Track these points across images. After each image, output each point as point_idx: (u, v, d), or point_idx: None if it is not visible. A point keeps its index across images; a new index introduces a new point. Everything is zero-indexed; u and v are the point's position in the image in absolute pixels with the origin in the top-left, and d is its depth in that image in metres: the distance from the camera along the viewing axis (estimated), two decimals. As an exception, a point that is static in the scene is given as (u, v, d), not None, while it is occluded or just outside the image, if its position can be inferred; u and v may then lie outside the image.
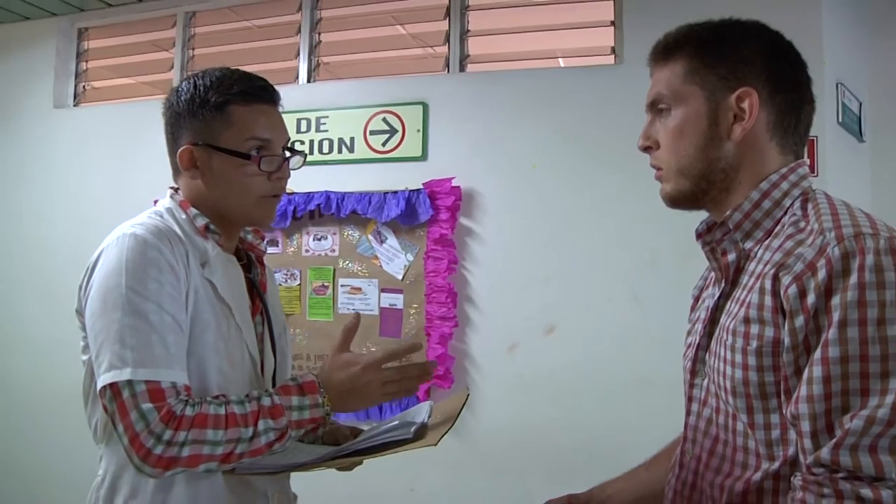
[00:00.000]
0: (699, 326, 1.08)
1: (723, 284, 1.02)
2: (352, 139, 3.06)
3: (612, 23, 2.83)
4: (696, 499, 1.01)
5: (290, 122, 3.06)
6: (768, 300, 0.89)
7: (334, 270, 3.05)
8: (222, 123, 1.20)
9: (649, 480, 1.24)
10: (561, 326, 2.74)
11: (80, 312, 1.17)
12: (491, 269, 2.84)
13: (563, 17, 2.92)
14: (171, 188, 1.28)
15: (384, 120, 3.02)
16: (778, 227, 0.96)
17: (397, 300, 2.94)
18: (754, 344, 0.90)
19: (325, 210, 3.02)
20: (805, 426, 0.83)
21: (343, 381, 1.15)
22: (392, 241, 2.96)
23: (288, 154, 1.26)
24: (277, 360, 1.31)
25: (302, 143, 3.08)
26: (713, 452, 0.99)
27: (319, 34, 3.22)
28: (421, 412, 1.27)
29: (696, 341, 1.05)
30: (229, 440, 1.06)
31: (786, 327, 0.86)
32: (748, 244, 0.99)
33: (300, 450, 1.23)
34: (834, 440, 0.80)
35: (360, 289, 3.01)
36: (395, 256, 2.95)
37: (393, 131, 3.00)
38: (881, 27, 2.95)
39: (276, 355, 1.30)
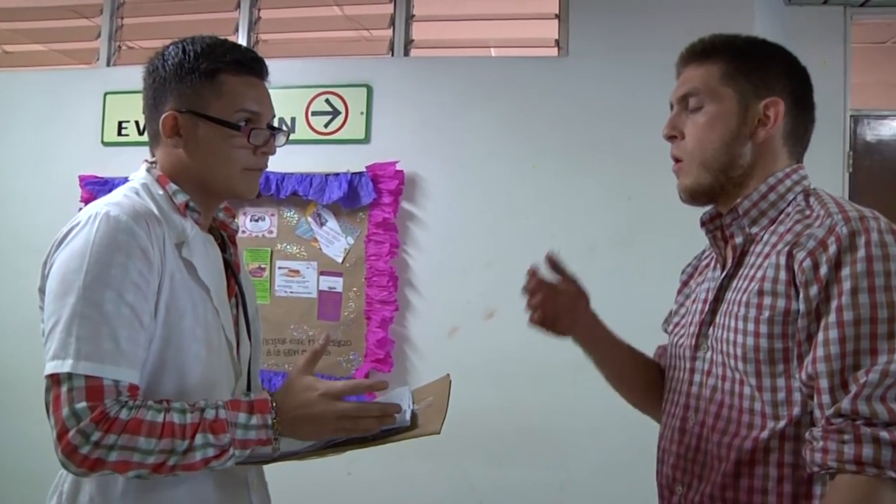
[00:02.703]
0: (698, 305, 1.18)
1: (729, 266, 1.11)
2: (293, 119, 3.01)
3: (557, 16, 2.89)
4: (700, 460, 1.08)
5: (227, 98, 3.03)
6: (782, 274, 0.99)
7: (272, 252, 2.99)
8: (212, 92, 1.16)
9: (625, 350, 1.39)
10: (501, 311, 2.80)
11: (42, 291, 1.09)
12: (432, 254, 2.86)
13: (510, 8, 2.96)
14: (147, 161, 1.22)
15: (327, 101, 2.98)
16: (782, 216, 1.08)
17: (337, 283, 2.92)
18: (766, 314, 1.00)
19: (263, 191, 2.95)
20: (823, 383, 0.92)
21: (297, 406, 1.08)
22: (332, 223, 2.93)
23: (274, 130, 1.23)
24: (252, 344, 1.26)
25: (239, 121, 3.00)
26: (719, 416, 1.06)
27: (259, 10, 3.14)
28: (402, 398, 1.25)
29: (699, 319, 1.15)
30: (161, 451, 1.00)
31: (800, 297, 0.96)
32: (754, 230, 1.09)
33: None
34: (852, 392, 0.90)
35: (298, 271, 2.97)
36: (335, 239, 2.93)
37: (336, 113, 2.97)
38: (801, 33, 3.13)
39: (251, 338, 1.26)
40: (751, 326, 1.01)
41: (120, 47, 3.24)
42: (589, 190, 2.78)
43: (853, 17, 3.18)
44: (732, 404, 1.04)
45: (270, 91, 3.26)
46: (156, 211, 1.12)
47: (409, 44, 3.02)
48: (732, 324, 1.05)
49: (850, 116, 3.17)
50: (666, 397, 1.22)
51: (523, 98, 2.84)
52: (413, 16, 3.03)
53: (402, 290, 2.88)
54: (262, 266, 3.00)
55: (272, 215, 3.00)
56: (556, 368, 2.75)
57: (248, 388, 1.25)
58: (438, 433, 1.11)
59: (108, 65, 3.21)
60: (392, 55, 3.02)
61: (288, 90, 3.00)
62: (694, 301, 1.22)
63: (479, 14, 2.98)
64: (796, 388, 0.98)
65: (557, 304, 1.32)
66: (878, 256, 0.93)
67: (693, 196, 1.15)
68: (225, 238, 1.30)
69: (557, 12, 2.89)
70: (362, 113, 2.94)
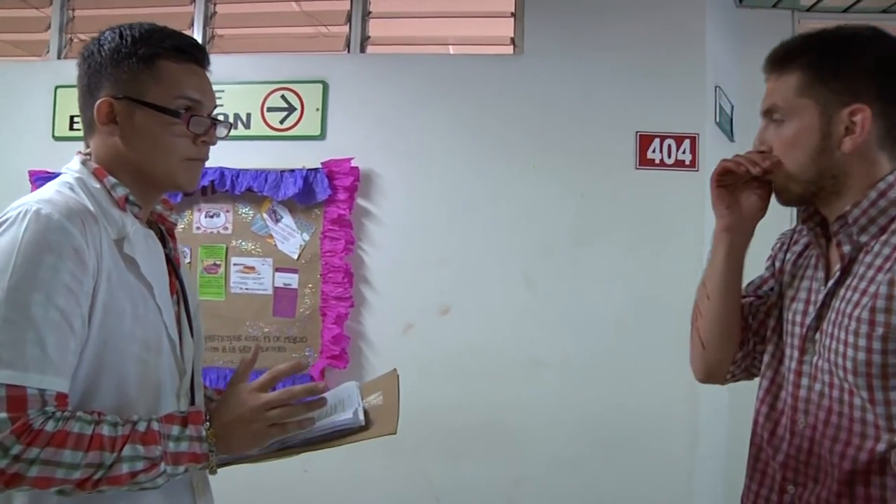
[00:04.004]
0: (799, 305, 1.17)
1: (836, 274, 1.09)
2: (248, 115, 2.98)
3: (513, 14, 2.92)
4: (814, 463, 1.08)
5: (181, 93, 2.99)
6: None
7: (227, 249, 2.97)
8: (150, 78, 1.11)
9: None
10: (455, 308, 2.82)
11: None
12: (387, 251, 2.87)
13: (466, 6, 2.97)
14: (81, 153, 1.17)
15: (283, 97, 2.96)
16: (893, 225, 1.05)
17: (292, 280, 2.91)
18: (880, 330, 0.99)
19: (218, 186, 2.93)
20: None
21: (229, 412, 1.07)
22: (288, 220, 2.92)
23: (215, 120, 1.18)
24: (195, 342, 1.22)
25: (194, 116, 2.97)
26: (828, 423, 1.06)
27: (215, 5, 3.12)
28: (350, 394, 1.23)
29: (803, 320, 1.14)
30: (88, 464, 0.95)
31: None
32: (863, 238, 1.07)
33: None
34: None
35: (253, 268, 2.95)
36: (290, 236, 2.91)
37: (291, 109, 2.96)
38: (750, 35, 3.21)
39: (194, 336, 1.22)
40: (862, 342, 1.00)
41: (71, 40, 3.18)
42: (543, 188, 2.81)
43: (801, 21, 3.27)
44: (842, 412, 1.05)
45: (227, 87, 3.24)
46: (91, 207, 1.06)
47: (365, 40, 3.02)
48: (843, 336, 1.04)
49: (798, 116, 3.25)
50: (768, 388, 1.20)
51: (479, 96, 2.86)
52: (370, 12, 3.03)
53: (358, 287, 2.88)
54: (218, 262, 2.97)
55: (227, 212, 2.98)
56: (512, 364, 2.80)
57: (192, 388, 1.21)
58: (395, 433, 1.10)
59: (58, 57, 3.15)
60: (348, 52, 3.01)
61: (243, 86, 2.98)
62: (794, 299, 1.20)
63: (436, 11, 2.99)
64: None
65: None
66: None
67: (786, 199, 1.14)
68: (164, 232, 1.25)
69: (513, 11, 2.92)
70: (318, 109, 2.94)
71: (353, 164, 2.86)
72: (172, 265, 1.22)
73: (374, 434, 1.13)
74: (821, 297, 1.12)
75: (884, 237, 1.05)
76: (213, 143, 1.19)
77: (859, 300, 1.03)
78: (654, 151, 2.78)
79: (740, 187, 1.19)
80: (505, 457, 2.79)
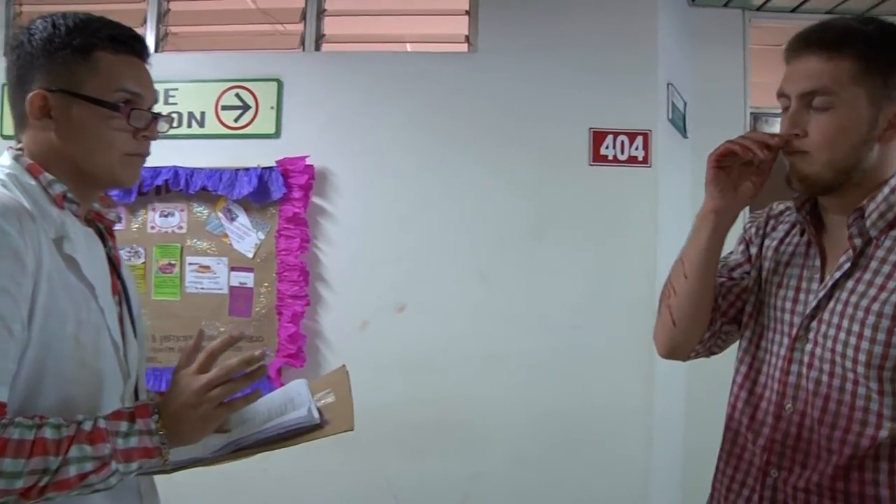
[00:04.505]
0: (790, 293, 1.17)
1: (847, 265, 1.09)
2: (202, 114, 2.96)
3: (467, 12, 2.93)
4: (803, 448, 1.10)
5: (135, 92, 2.96)
6: None
7: (182, 248, 2.94)
8: (87, 69, 1.06)
9: None
10: (411, 304, 2.83)
11: None
12: (343, 249, 2.86)
13: (421, 4, 2.98)
14: (13, 148, 1.11)
15: (237, 95, 2.95)
16: None
17: (248, 279, 2.90)
18: None
19: (172, 186, 2.91)
20: None
21: (174, 400, 1.02)
22: (243, 218, 2.90)
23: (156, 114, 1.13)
24: (139, 343, 1.18)
25: (148, 114, 2.95)
26: (826, 409, 1.07)
27: (168, 2, 3.09)
28: (300, 392, 1.22)
29: (800, 310, 1.14)
30: (32, 471, 0.90)
31: None
32: (873, 232, 1.08)
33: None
34: None
35: (208, 267, 2.93)
36: (245, 234, 2.90)
37: (246, 107, 2.94)
38: (702, 34, 3.26)
39: (137, 336, 1.18)
40: (881, 336, 1.01)
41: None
42: (498, 184, 2.82)
43: (751, 20, 3.32)
44: (842, 400, 1.06)
45: (180, 85, 3.21)
46: (27, 205, 1.01)
47: (320, 38, 3.01)
48: (856, 328, 1.04)
49: (751, 114, 3.31)
50: (746, 373, 1.21)
51: (434, 94, 2.87)
52: (325, 10, 3.02)
53: (314, 285, 2.87)
54: (172, 262, 2.95)
55: (182, 211, 2.95)
56: (468, 360, 2.81)
57: (136, 391, 1.17)
58: (352, 429, 1.08)
59: (3, 54, 3.10)
60: (303, 50, 3.00)
61: (197, 84, 2.96)
62: (780, 286, 1.19)
63: (391, 10, 2.99)
64: None
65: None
66: None
67: (809, 187, 1.11)
68: (103, 231, 1.20)
69: (468, 9, 2.93)
70: (272, 107, 2.92)
71: (308, 162, 2.85)
72: (113, 265, 1.17)
73: (330, 431, 1.11)
74: (815, 286, 1.13)
75: (893, 232, 1.07)
76: (154, 138, 1.15)
77: (877, 294, 1.04)
78: (607, 148, 2.81)
79: (737, 170, 1.16)
80: (462, 453, 2.81)
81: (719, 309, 1.28)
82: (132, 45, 1.11)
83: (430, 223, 2.83)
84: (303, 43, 3.00)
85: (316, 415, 1.13)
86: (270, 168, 2.85)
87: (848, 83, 1.04)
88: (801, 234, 1.20)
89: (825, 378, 1.08)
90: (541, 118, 2.83)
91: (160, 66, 3.24)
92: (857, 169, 1.07)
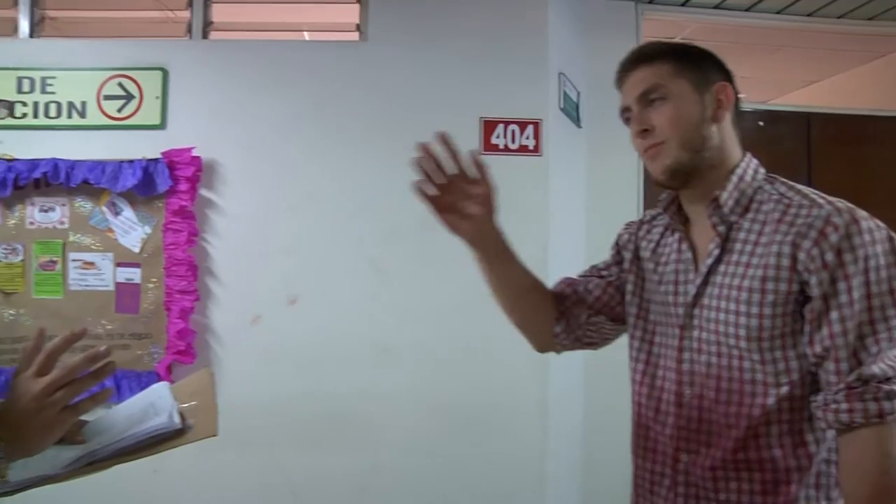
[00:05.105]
0: (670, 287, 1.26)
1: (717, 251, 1.20)
2: (83, 103, 2.84)
3: (358, 1, 2.90)
4: (705, 429, 1.18)
5: (8, 80, 2.83)
6: (785, 261, 1.12)
7: (64, 244, 2.83)
8: None
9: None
10: (303, 297, 2.79)
11: None
12: (232, 241, 2.80)
13: (311, -8, 2.94)
14: None
15: (120, 84, 2.84)
16: (754, 204, 1.19)
17: (134, 274, 2.80)
18: (770, 297, 1.12)
19: (52, 179, 2.78)
20: (841, 354, 1.07)
21: (13, 407, 0.95)
22: (128, 212, 2.80)
23: None
24: None
25: (24, 104, 2.81)
26: (719, 389, 1.17)
27: (46, -15, 2.95)
28: (161, 396, 1.17)
29: (683, 301, 1.23)
30: None
31: (811, 282, 1.09)
32: (732, 218, 1.19)
33: (40, 457, 1.01)
34: (869, 360, 1.05)
35: (93, 263, 2.82)
36: (131, 229, 2.80)
37: (129, 97, 2.84)
38: (596, 25, 3.31)
39: None
40: (755, 309, 1.12)
41: None
42: (388, 175, 2.80)
43: (644, 13, 3.40)
44: (732, 377, 1.15)
45: (59, 73, 3.08)
46: None
47: (207, 26, 2.93)
48: (733, 307, 1.15)
49: (645, 104, 3.37)
50: (644, 370, 1.29)
51: (323, 83, 2.83)
52: (213, -3, 2.94)
53: (203, 280, 2.80)
54: (54, 259, 2.83)
55: (63, 205, 2.83)
56: (361, 351, 2.79)
57: None
58: (216, 434, 1.04)
59: None
60: (190, 37, 2.92)
61: (77, 72, 2.85)
62: (660, 283, 1.29)
63: (281, -3, 2.94)
64: (792, 358, 1.12)
65: (454, 191, 1.29)
66: (869, 242, 1.08)
67: (673, 175, 1.20)
68: None
69: (359, -2, 2.90)
70: (158, 97, 2.83)
71: (195, 153, 2.77)
72: None
73: (193, 438, 1.07)
74: (693, 276, 1.22)
75: (749, 215, 1.19)
76: None
77: (745, 272, 1.15)
78: (498, 137, 2.83)
79: (457, 201, 1.28)
80: (359, 445, 2.79)
81: (585, 303, 1.39)
82: None
83: (320, 215, 2.80)
84: (190, 30, 2.92)
85: (177, 420, 1.08)
86: (156, 160, 2.76)
87: (671, 78, 1.20)
88: (674, 233, 1.30)
89: (714, 359, 1.18)
90: (431, 107, 2.82)
91: (36, 52, 3.13)
92: (707, 147, 1.20)
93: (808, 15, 3.41)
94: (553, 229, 2.83)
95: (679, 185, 1.24)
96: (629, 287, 1.36)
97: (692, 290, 1.21)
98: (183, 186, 2.76)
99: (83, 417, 1.02)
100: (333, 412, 2.79)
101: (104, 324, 2.81)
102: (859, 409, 1.05)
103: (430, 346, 2.78)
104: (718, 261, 1.19)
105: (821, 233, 1.09)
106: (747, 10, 3.38)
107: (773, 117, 3.56)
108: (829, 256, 1.08)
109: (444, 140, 1.29)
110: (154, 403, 1.17)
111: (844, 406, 1.06)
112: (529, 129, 2.84)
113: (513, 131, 2.84)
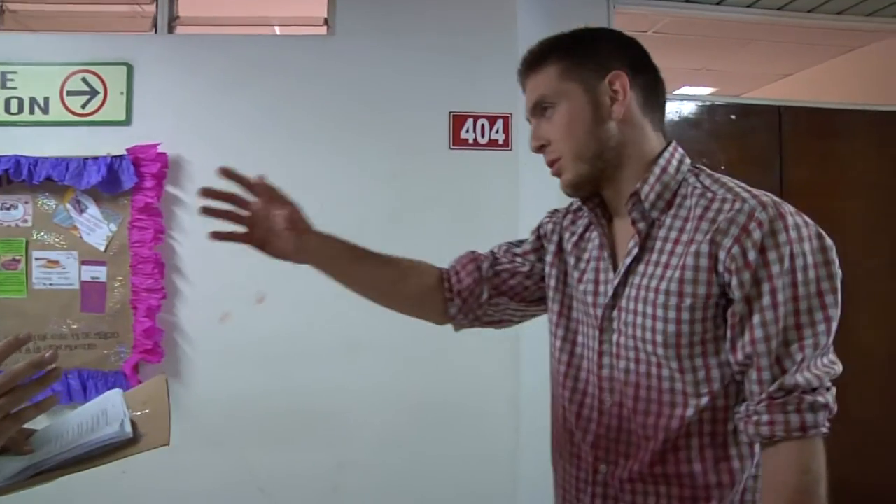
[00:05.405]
0: (589, 287, 1.18)
1: (635, 250, 1.11)
2: (46, 99, 2.79)
3: (326, -6, 2.87)
4: (624, 440, 1.11)
5: (-31, 75, 2.77)
6: (703, 261, 1.03)
7: (27, 242, 2.78)
8: None
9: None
10: (271, 295, 2.77)
11: None
12: (200, 239, 2.68)
13: (278, -15, 2.91)
14: None
15: (84, 80, 2.79)
16: (678, 199, 1.10)
17: (100, 273, 2.76)
18: (688, 301, 1.04)
19: (14, 176, 2.73)
20: (763, 361, 0.99)
21: None
22: (93, 210, 2.76)
23: None
24: None
25: (-15, 100, 2.77)
26: (637, 397, 1.09)
27: (6, -21, 2.90)
28: (114, 404, 1.13)
29: (598, 302, 1.16)
30: None
31: (732, 283, 1.01)
32: (654, 213, 1.10)
33: None
34: (792, 368, 0.98)
35: (57, 262, 2.78)
36: (96, 227, 2.76)
37: (94, 93, 2.79)
38: (566, 19, 3.27)
39: None
40: (672, 314, 1.04)
41: None
42: (357, 170, 2.79)
43: (616, 7, 3.38)
44: (650, 385, 1.08)
45: (20, 68, 3.03)
46: None
47: (173, 20, 2.89)
48: (649, 311, 1.06)
49: (616, 98, 3.37)
50: (566, 371, 1.21)
51: (291, 78, 2.81)
52: (178, -9, 2.90)
53: (170, 277, 2.77)
54: (17, 258, 2.78)
55: (26, 203, 2.79)
56: (330, 348, 2.77)
57: None
58: (168, 444, 1.01)
59: None
60: (156, 32, 2.88)
61: (40, 67, 2.80)
62: (581, 280, 1.21)
63: (248, -9, 2.90)
64: (714, 366, 1.04)
65: (260, 218, 1.23)
66: (796, 239, 0.99)
67: (577, 188, 1.14)
68: None
69: (327, -9, 2.87)
70: (122, 93, 2.79)
71: (161, 149, 2.74)
72: None
73: (144, 447, 1.02)
74: (612, 275, 1.14)
75: (672, 210, 1.10)
76: None
77: (663, 273, 1.07)
78: (467, 131, 2.82)
79: (269, 228, 1.24)
80: (328, 442, 2.77)
81: (489, 283, 1.31)
82: None
83: (289, 210, 2.77)
84: (155, 25, 2.87)
85: (128, 429, 1.04)
86: (121, 156, 2.72)
87: (558, 82, 1.12)
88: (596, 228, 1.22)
89: (632, 366, 1.10)
90: (400, 102, 2.81)
91: (-4, 46, 3.03)
92: (607, 149, 1.12)
93: (779, 9, 3.41)
94: (523, 224, 2.82)
95: (590, 193, 1.17)
96: (551, 282, 1.27)
97: (610, 290, 1.14)
98: (149, 183, 2.72)
99: (29, 426, 0.99)
100: (303, 409, 2.77)
101: (69, 323, 2.77)
102: (780, 421, 0.97)
103: (399, 341, 2.75)
104: (638, 260, 1.11)
105: (743, 229, 1.00)
106: (718, 3, 3.38)
107: (744, 111, 3.57)
108: (752, 255, 0.99)
109: (228, 174, 1.22)
110: (106, 411, 1.14)
111: (765, 418, 0.99)
112: (499, 123, 2.83)
113: (482, 125, 2.82)
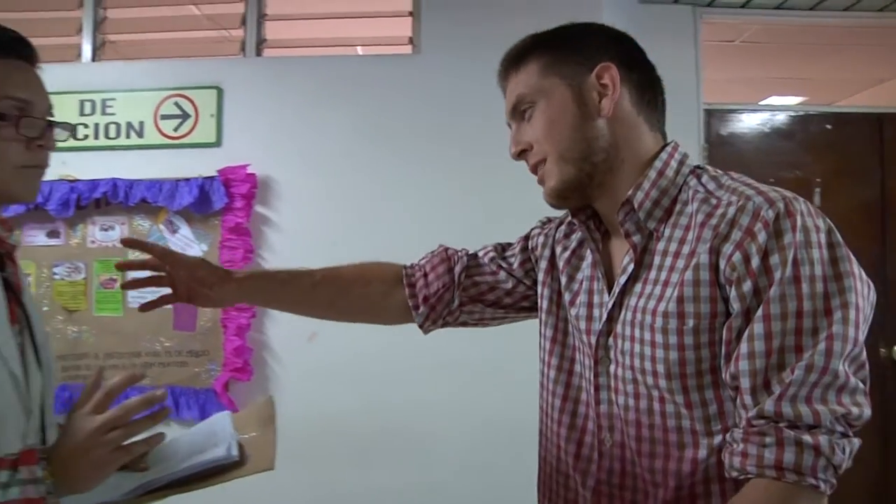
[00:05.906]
0: (582, 311, 1.05)
1: (631, 267, 0.98)
2: (141, 123, 2.89)
3: (411, 13, 2.88)
4: (629, 485, 0.97)
5: (72, 103, 2.89)
6: (704, 274, 0.89)
7: (123, 262, 2.86)
8: None
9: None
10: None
11: None
12: (287, 258, 2.79)
13: (363, 6, 2.92)
14: None
15: (176, 104, 2.87)
16: (678, 206, 0.96)
17: (192, 292, 2.82)
18: (691, 323, 0.89)
19: (112, 198, 2.83)
20: (745, 382, 0.84)
21: (66, 443, 0.93)
22: (185, 230, 2.83)
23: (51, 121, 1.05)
24: (44, 375, 1.08)
25: (86, 126, 2.86)
26: (640, 438, 0.95)
27: (105, 9, 3.01)
28: (223, 427, 1.16)
29: (592, 328, 1.02)
30: None
31: (732, 295, 0.86)
32: (651, 224, 0.97)
33: (102, 485, 1.01)
34: (776, 393, 0.82)
35: (151, 281, 2.85)
36: (188, 246, 2.82)
37: (185, 116, 2.87)
38: (652, 30, 3.19)
39: (42, 369, 1.08)
40: (673, 339, 0.89)
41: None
42: (443, 186, 2.77)
43: (702, 17, 3.29)
44: (653, 424, 0.93)
45: (118, 95, 3.12)
46: None
47: (261, 44, 2.94)
48: (647, 337, 0.92)
49: (704, 110, 3.27)
50: (562, 406, 1.06)
51: (377, 96, 2.81)
52: (265, 15, 2.95)
53: (259, 296, 2.80)
54: (114, 277, 2.86)
55: (123, 224, 2.87)
56: (418, 369, 2.74)
57: (43, 426, 1.07)
58: (272, 468, 1.03)
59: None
60: (244, 55, 2.94)
61: (135, 93, 2.89)
62: (573, 304, 1.08)
63: (333, 13, 2.93)
64: (727, 399, 0.89)
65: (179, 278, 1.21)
66: (802, 243, 0.84)
67: (562, 196, 1.01)
68: (2, 256, 1.09)
69: (411, 10, 2.88)
70: (212, 115, 2.85)
71: (250, 170, 2.78)
72: (13, 291, 1.07)
73: (249, 471, 1.05)
74: (607, 298, 1.01)
75: (672, 219, 0.96)
76: (52, 148, 1.06)
77: (662, 292, 0.92)
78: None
79: (189, 283, 1.21)
80: (415, 463, 2.74)
81: (462, 288, 1.23)
82: (17, 49, 1.02)
83: (376, 228, 2.77)
84: (243, 48, 2.93)
85: (235, 452, 1.07)
86: (212, 178, 2.78)
87: (538, 80, 1.02)
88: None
89: (632, 402, 0.95)
90: (486, 116, 2.76)
91: (97, 75, 3.18)
92: (596, 149, 0.99)
93: (880, 10, 3.25)
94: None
95: (577, 203, 1.03)
96: (543, 304, 1.13)
97: (605, 314, 0.99)
98: (238, 203, 2.77)
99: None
100: (389, 429, 2.75)
101: (162, 341, 2.83)
102: (753, 454, 0.81)
103: (483, 361, 2.71)
104: (634, 278, 0.97)
105: (747, 231, 0.86)
106: (811, 8, 3.25)
107: (841, 119, 3.41)
108: (756, 262, 0.84)
109: (131, 243, 1.22)
110: (216, 433, 1.16)
111: (739, 448, 0.83)
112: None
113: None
